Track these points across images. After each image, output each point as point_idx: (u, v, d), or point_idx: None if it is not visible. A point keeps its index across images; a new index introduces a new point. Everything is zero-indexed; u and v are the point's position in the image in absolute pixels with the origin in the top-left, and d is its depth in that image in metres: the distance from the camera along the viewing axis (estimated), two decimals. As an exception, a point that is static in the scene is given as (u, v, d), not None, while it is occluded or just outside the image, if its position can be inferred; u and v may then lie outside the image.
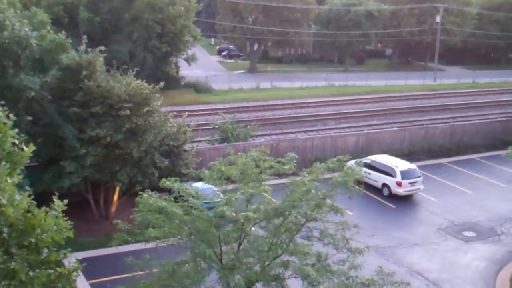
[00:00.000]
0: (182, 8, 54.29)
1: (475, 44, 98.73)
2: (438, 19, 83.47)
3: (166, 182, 15.67)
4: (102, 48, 26.32)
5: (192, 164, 28.39)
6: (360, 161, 32.55)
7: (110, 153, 24.99)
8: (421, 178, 33.01)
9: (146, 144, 25.20)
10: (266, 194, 16.30)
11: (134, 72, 26.59)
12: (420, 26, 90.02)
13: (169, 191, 16.05)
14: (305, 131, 45.98)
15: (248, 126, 39.87)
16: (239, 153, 16.98)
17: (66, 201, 9.65)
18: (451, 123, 46.04)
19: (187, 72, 64.26)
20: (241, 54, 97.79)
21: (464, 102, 61.04)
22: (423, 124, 46.00)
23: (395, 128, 43.81)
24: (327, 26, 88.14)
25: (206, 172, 16.33)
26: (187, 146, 29.13)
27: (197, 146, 33.38)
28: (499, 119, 48.59)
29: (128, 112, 24.56)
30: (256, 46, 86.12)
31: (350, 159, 20.08)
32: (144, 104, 25.57)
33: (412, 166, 33.65)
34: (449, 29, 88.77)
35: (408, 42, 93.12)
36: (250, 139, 38.97)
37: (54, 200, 9.55)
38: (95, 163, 24.71)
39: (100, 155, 24.71)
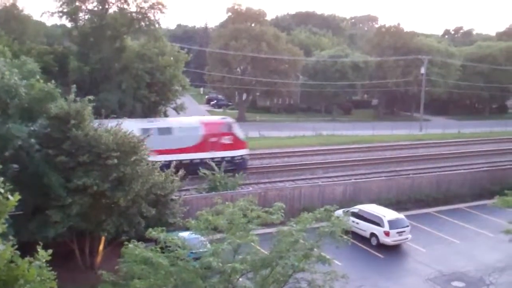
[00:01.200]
0: (172, 58, 54.88)
1: (460, 95, 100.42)
2: (423, 70, 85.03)
3: (152, 232, 15.58)
4: (91, 97, 26.44)
5: (179, 213, 28.18)
6: (348, 211, 32.59)
7: (96, 202, 24.79)
8: (409, 228, 32.95)
9: (133, 193, 25.04)
10: (253, 244, 16.20)
11: (122, 122, 26.60)
12: (406, 77, 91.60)
13: (155, 241, 15.94)
14: (293, 180, 45.95)
15: (236, 175, 39.86)
16: (227, 203, 16.98)
17: (50, 251, 9.55)
18: (437, 173, 46.29)
19: None
20: (230, 103, 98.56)
21: (449, 152, 61.52)
22: (410, 174, 46.20)
23: (382, 178, 43.95)
24: (314, 77, 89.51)
25: (193, 221, 16.29)
26: (174, 195, 28.98)
27: (184, 195, 33.19)
28: (485, 168, 48.97)
29: (115, 161, 24.49)
30: (244, 96, 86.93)
31: (338, 209, 20.10)
32: (132, 153, 25.55)
33: (400, 215, 33.64)
34: (434, 80, 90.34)
35: (393, 92, 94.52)
36: (238, 188, 38.89)
37: (39, 250, 9.45)
38: (81, 212, 24.46)
39: (87, 204, 24.48)
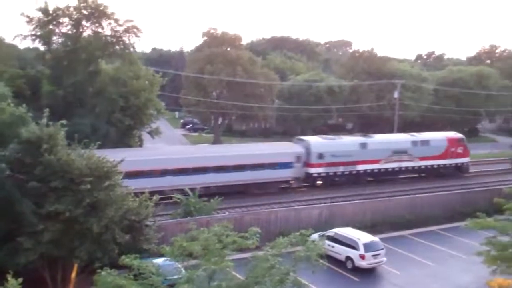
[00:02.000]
0: (146, 82, 54.78)
1: (433, 118, 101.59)
2: (396, 94, 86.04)
3: (126, 259, 15.35)
4: (64, 121, 26.18)
5: (153, 240, 27.89)
6: (324, 234, 32.67)
7: (69, 229, 24.39)
8: (384, 251, 33.05)
9: (106, 219, 24.72)
10: (229, 270, 16.05)
11: (96, 146, 26.37)
12: (379, 101, 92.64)
13: (129, 268, 15.69)
14: (269, 204, 45.90)
15: (212, 200, 39.68)
16: (202, 228, 16.83)
17: (21, 279, 9.34)
18: (411, 196, 46.68)
19: (151, 145, 64.14)
20: (206, 127, 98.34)
21: (424, 174, 62.11)
22: (384, 197, 46.47)
23: (357, 201, 44.13)
24: (289, 101, 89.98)
25: (167, 248, 16.10)
26: (149, 221, 28.66)
27: (159, 220, 32.86)
28: (457, 191, 49.55)
29: (88, 186, 24.21)
30: (220, 120, 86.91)
31: (313, 232, 20.07)
32: (105, 178, 25.28)
33: (375, 238, 33.76)
34: (407, 104, 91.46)
35: (368, 116, 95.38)
36: (213, 213, 38.65)
37: (9, 278, 9.24)
38: (53, 239, 24.03)
39: (59, 231, 24.08)
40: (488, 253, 26.82)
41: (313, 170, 52.02)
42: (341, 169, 53.73)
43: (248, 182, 48.95)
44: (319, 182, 53.02)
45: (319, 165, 52.29)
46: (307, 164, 51.71)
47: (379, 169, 56.10)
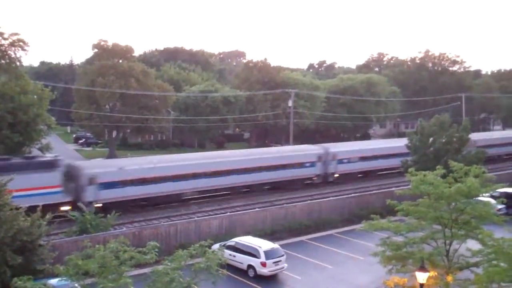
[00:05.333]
0: (35, 96, 52.50)
1: (326, 126, 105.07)
2: (290, 103, 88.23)
3: (18, 282, 14.53)
4: None
5: (48, 260, 26.64)
6: (224, 244, 32.64)
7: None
8: (284, 257, 33.47)
9: (-5, 241, 23.33)
10: (128, 286, 15.58)
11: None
12: (274, 110, 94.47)
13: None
14: (168, 217, 45.33)
15: (108, 215, 38.57)
16: (98, 245, 16.27)
17: None
18: (308, 201, 47.78)
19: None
20: (100, 141, 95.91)
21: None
22: (283, 204, 47.27)
23: (257, 209, 44.55)
24: (185, 112, 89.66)
25: (61, 267, 15.40)
26: (42, 240, 27.39)
27: (53, 239, 31.47)
28: (353, 194, 51.34)
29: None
30: (114, 133, 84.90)
31: (214, 243, 19.95)
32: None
33: (275, 245, 34.12)
34: (301, 112, 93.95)
35: (264, 125, 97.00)
36: (111, 229, 37.57)
37: None
38: None
39: None
40: (383, 253, 27.85)
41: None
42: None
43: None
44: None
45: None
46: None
47: None
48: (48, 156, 47.95)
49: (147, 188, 47.95)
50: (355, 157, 65.69)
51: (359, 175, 67.19)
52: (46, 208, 32.29)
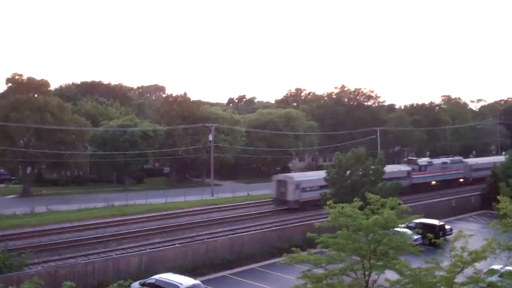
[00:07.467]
0: None
1: (247, 159, 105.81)
2: (210, 137, 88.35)
3: None
4: None
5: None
6: (144, 283, 31.88)
7: None
8: (206, 293, 33.02)
9: None
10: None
11: None
12: (195, 144, 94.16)
13: None
14: (85, 255, 43.75)
15: (23, 254, 36.82)
16: (10, 287, 15.44)
17: None
18: (230, 236, 47.54)
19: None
20: (13, 178, 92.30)
21: (241, 214, 63.91)
22: (204, 239, 46.81)
23: (177, 245, 43.85)
24: (103, 147, 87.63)
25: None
26: None
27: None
28: (274, 227, 51.56)
29: None
30: (29, 169, 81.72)
31: (132, 282, 19.37)
32: None
33: (196, 281, 33.60)
34: (222, 146, 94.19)
35: (184, 159, 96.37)
36: (25, 268, 35.85)
37: None
38: None
39: None
40: (304, 286, 27.98)
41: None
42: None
43: None
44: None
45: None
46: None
47: None
48: None
49: None
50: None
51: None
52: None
